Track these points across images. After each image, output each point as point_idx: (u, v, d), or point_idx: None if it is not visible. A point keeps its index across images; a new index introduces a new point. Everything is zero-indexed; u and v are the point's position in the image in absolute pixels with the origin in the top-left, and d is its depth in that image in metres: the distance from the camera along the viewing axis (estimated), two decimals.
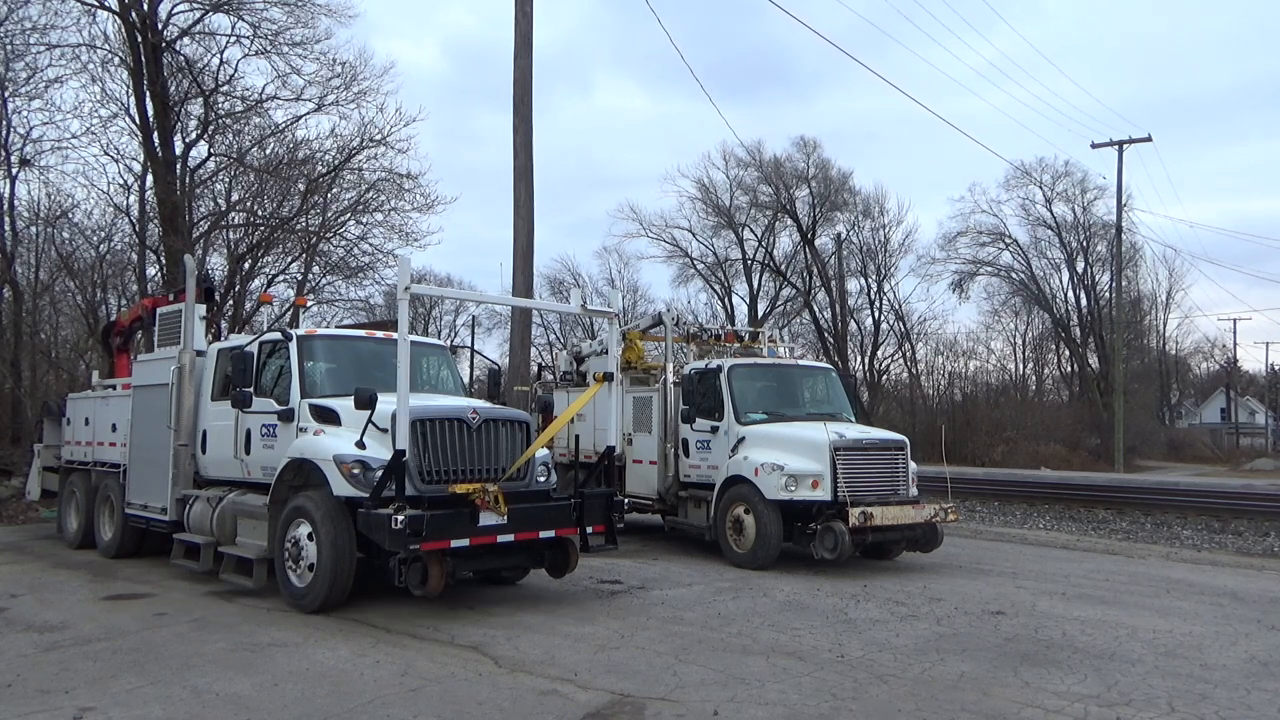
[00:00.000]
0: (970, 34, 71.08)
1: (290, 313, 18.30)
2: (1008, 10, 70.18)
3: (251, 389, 9.65)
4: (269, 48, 21.58)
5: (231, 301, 22.00)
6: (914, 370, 52.31)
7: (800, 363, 14.78)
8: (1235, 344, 74.76)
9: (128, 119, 21.56)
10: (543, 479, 9.53)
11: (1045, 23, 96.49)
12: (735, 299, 53.79)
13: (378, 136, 22.96)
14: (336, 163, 23.06)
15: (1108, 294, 49.72)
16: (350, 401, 8.64)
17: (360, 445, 8.51)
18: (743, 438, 12.24)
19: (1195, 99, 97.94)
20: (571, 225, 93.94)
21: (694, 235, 53.03)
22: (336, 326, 17.60)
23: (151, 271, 22.41)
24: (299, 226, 22.58)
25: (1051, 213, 51.55)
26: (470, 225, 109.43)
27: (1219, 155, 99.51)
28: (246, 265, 22.38)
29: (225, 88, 22.04)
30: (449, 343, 38.39)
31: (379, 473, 8.18)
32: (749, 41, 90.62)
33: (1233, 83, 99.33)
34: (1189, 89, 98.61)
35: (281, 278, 24.36)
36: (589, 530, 9.39)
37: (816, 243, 51.36)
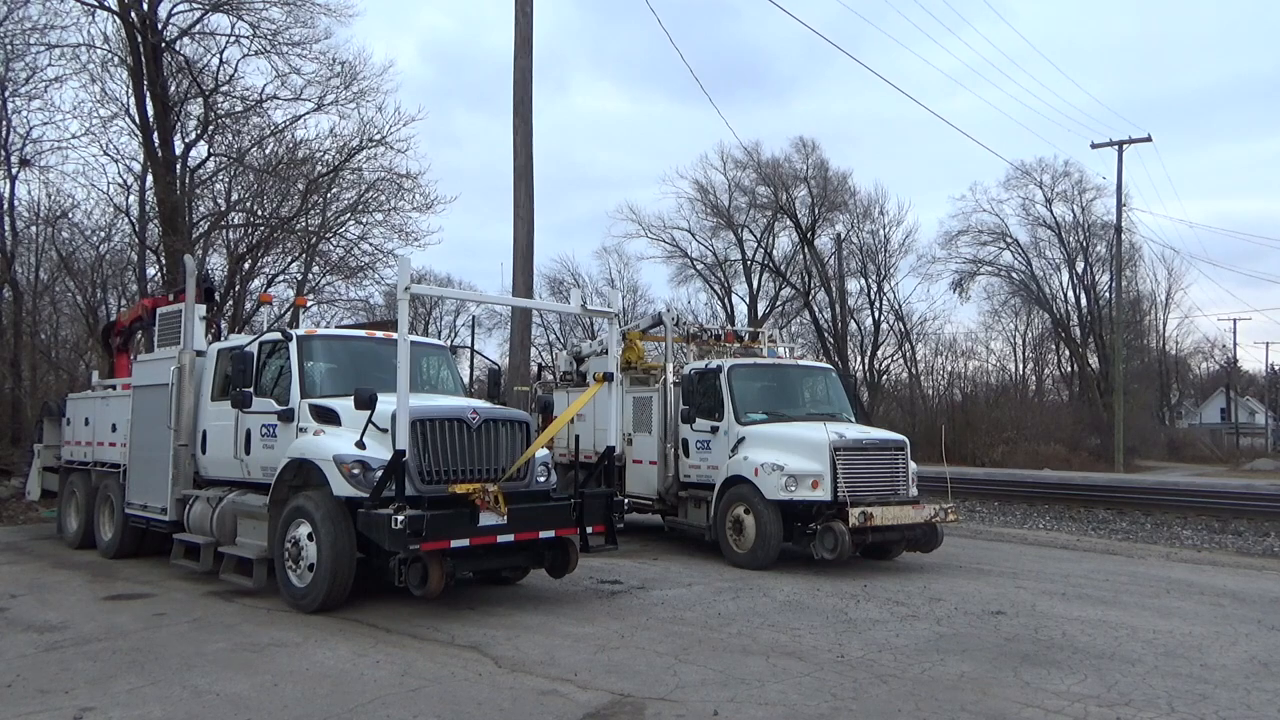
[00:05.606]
0: (963, 31, 71.20)
1: (290, 313, 18.30)
2: (983, 12, 70.22)
3: (251, 389, 9.64)
4: (268, 47, 21.58)
5: (231, 301, 21.99)
6: (914, 370, 52.37)
7: (800, 363, 14.76)
8: (1235, 344, 74.86)
9: (128, 119, 21.58)
10: (543, 479, 9.53)
11: (1028, 24, 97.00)
12: (735, 299, 53.86)
13: (377, 136, 22.99)
14: (336, 163, 23.07)
15: (1108, 294, 49.75)
16: (350, 401, 8.64)
17: (360, 445, 8.50)
18: (743, 438, 12.24)
19: (1183, 98, 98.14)
20: (559, 226, 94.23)
21: (693, 236, 53.12)
22: (336, 326, 17.60)
23: (151, 271, 22.43)
24: (299, 226, 22.57)
25: (1051, 213, 51.65)
26: (458, 227, 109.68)
27: (1209, 154, 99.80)
28: (246, 265, 22.37)
29: (225, 88, 22.04)
30: (449, 343, 38.39)
31: (379, 473, 8.18)
32: (723, 44, 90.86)
33: (1217, 81, 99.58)
34: (1175, 88, 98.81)
35: (281, 278, 24.39)
36: (589, 530, 9.39)
37: (816, 243, 51.38)
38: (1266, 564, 13.36)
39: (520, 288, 17.19)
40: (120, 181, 22.83)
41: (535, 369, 19.77)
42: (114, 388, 12.95)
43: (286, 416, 9.30)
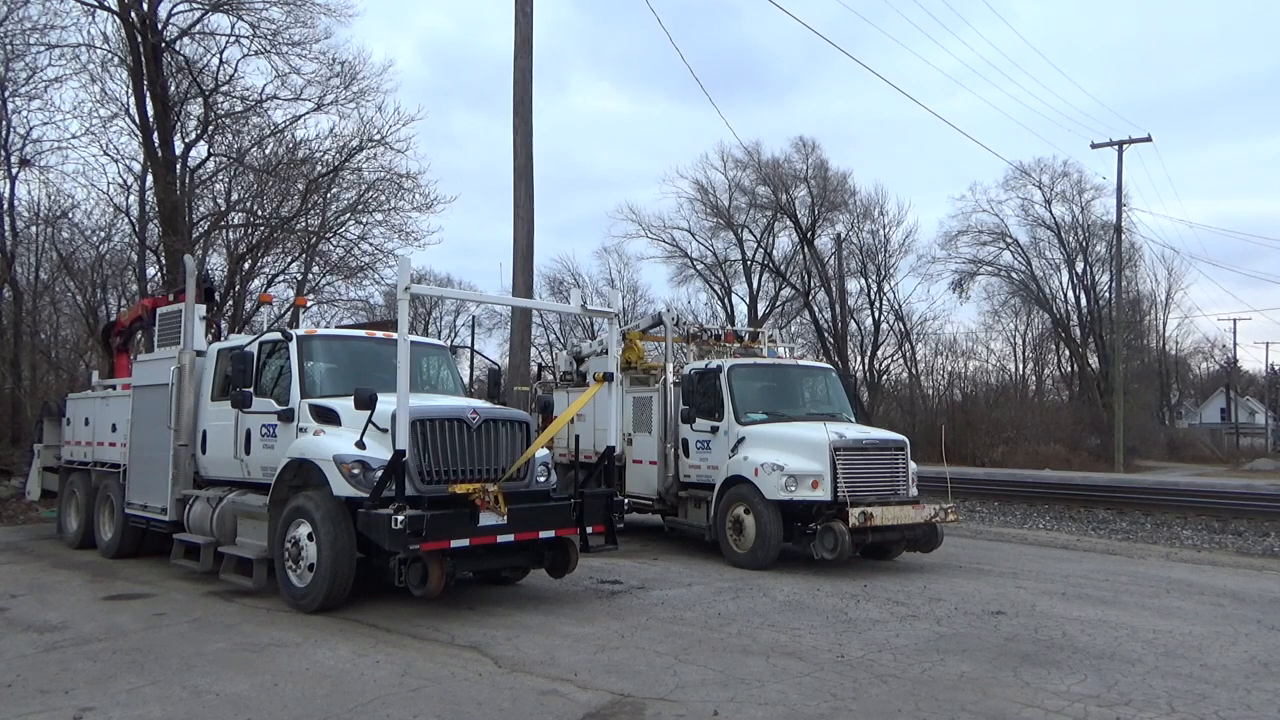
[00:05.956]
0: (963, 31, 71.19)
1: (290, 313, 18.30)
2: (983, 12, 70.31)
3: (251, 389, 9.64)
4: (268, 47, 21.59)
5: (231, 301, 21.99)
6: (914, 370, 52.37)
7: (800, 363, 14.76)
8: (1235, 344, 74.83)
9: (127, 119, 21.58)
10: (543, 479, 9.53)
11: (1028, 24, 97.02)
12: (735, 299, 53.88)
13: (377, 136, 22.99)
14: (336, 163, 23.07)
15: (1107, 294, 49.77)
16: (350, 401, 8.64)
17: (360, 445, 8.50)
18: (743, 438, 12.24)
19: (1183, 98, 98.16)
20: (560, 226, 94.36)
21: (693, 236, 53.14)
22: (336, 326, 17.60)
23: (151, 271, 22.43)
24: (299, 226, 22.57)
25: (1051, 213, 51.66)
26: (458, 227, 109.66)
27: (1209, 154, 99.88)
28: (246, 265, 22.37)
29: (225, 88, 22.05)
30: (449, 343, 38.39)
31: (379, 473, 8.18)
32: (723, 44, 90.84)
33: (1217, 81, 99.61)
34: (1175, 88, 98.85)
35: (281, 278, 24.38)
36: (589, 530, 9.39)
37: (816, 243, 51.39)
38: (1266, 564, 13.36)
39: (520, 288, 17.20)
40: (120, 181, 22.87)
41: (535, 369, 19.78)
42: (114, 388, 12.95)
43: (286, 416, 9.30)
